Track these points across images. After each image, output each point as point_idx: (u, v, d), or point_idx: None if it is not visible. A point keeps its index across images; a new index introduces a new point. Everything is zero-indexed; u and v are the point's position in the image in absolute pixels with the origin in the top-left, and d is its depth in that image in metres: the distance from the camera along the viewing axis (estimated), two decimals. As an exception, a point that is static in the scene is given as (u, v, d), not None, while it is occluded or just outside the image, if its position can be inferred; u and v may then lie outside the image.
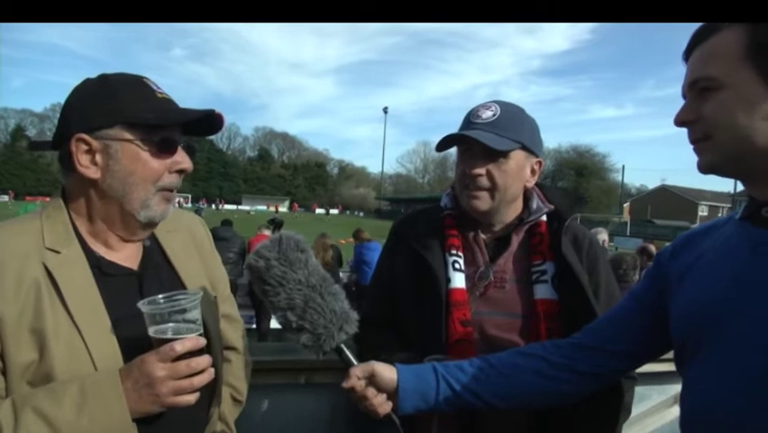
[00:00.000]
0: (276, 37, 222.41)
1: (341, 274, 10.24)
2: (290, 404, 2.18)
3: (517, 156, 1.67)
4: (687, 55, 1.16)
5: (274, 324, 10.55)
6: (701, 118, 1.10)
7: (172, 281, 1.43)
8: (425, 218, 1.84)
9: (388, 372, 1.39)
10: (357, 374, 1.36)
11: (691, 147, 1.15)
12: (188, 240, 1.57)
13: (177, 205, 1.51)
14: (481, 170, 1.64)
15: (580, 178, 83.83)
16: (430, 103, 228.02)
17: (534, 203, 1.75)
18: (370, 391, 1.38)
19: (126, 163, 1.29)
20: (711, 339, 1.13)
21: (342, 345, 1.36)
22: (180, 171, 1.37)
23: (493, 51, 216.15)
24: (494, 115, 1.66)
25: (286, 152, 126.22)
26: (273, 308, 1.33)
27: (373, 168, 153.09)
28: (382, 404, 1.39)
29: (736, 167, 1.11)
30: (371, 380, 1.38)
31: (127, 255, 1.38)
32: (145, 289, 1.34)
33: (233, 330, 1.69)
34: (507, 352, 1.48)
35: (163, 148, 1.31)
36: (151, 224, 1.38)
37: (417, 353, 1.55)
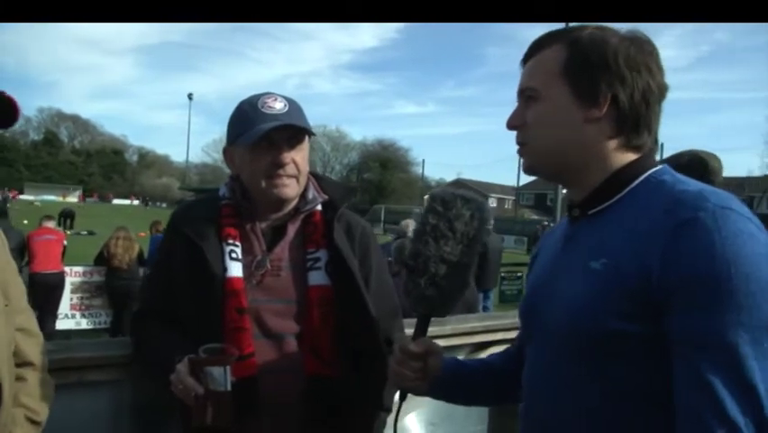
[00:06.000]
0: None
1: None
2: (62, 406, 2.02)
3: (307, 143, 1.77)
4: (523, 64, 1.28)
5: (60, 325, 9.60)
6: (526, 124, 1.23)
7: None
8: (201, 207, 1.84)
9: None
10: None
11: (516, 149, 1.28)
12: None
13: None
14: (289, 159, 1.69)
15: (384, 170, 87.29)
16: (238, 91, 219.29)
17: (310, 193, 1.82)
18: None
19: None
20: (534, 326, 1.28)
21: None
22: None
23: (306, 43, 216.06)
24: (286, 107, 1.71)
25: (77, 136, 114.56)
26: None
27: (178, 156, 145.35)
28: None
29: (550, 171, 1.27)
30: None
31: None
32: None
33: (31, 345, 1.56)
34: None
35: None
36: None
37: (195, 342, 1.54)
